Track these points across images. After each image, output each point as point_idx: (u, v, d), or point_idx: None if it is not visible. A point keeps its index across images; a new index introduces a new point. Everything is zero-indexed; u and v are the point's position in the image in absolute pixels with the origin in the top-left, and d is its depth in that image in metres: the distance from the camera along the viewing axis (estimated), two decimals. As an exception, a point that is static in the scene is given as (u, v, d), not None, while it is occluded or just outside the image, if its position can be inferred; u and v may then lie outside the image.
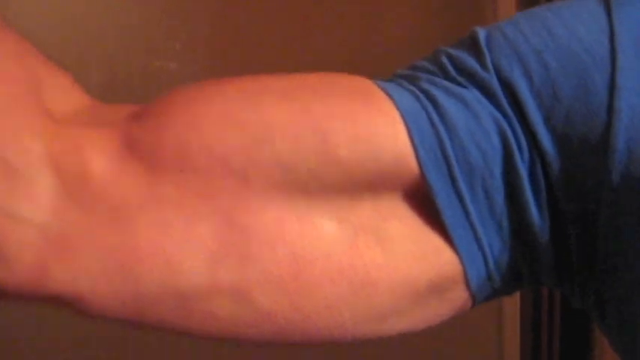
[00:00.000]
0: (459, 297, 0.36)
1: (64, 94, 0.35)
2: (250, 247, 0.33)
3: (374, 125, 0.34)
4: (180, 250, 0.33)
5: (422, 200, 0.35)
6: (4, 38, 0.34)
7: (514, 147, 0.34)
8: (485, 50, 0.36)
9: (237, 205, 0.33)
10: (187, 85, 0.36)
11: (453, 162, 0.34)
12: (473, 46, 0.37)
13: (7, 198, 0.31)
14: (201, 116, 0.34)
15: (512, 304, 1.08)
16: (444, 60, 0.37)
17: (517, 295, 1.05)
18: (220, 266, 0.33)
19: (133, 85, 1.15)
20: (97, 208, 0.32)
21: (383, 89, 0.36)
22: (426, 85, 0.36)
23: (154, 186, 0.33)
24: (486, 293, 0.37)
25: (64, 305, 0.33)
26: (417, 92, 0.35)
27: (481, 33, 0.37)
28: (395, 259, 0.35)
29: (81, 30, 1.14)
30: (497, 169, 0.35)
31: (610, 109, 0.34)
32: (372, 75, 0.38)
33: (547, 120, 0.35)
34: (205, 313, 0.34)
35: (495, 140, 0.35)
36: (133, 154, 0.33)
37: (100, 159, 0.33)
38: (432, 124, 0.34)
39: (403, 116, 0.34)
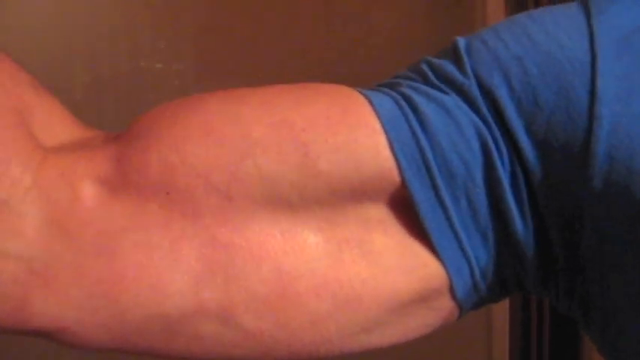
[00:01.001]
0: (445, 306, 0.36)
1: (53, 122, 0.35)
2: (235, 266, 0.33)
3: (354, 136, 0.34)
4: (165, 272, 0.32)
5: (406, 210, 0.35)
6: None
7: (494, 154, 0.34)
8: (464, 57, 0.36)
9: (221, 223, 0.33)
10: (169, 102, 0.36)
11: (435, 171, 0.34)
12: (453, 53, 0.37)
13: None
14: (183, 134, 0.34)
15: (501, 307, 1.08)
16: (424, 67, 0.37)
17: (506, 299, 1.05)
18: (205, 287, 0.33)
19: (118, 85, 1.14)
20: (83, 236, 0.32)
21: (363, 95, 0.35)
22: (407, 90, 0.35)
23: (140, 208, 0.33)
24: (473, 302, 0.37)
25: (45, 337, 0.33)
26: (398, 97, 0.35)
27: (461, 41, 0.37)
28: (380, 272, 0.34)
29: (66, 30, 1.13)
30: (479, 177, 0.34)
31: (591, 115, 0.33)
32: (358, 77, 0.38)
33: (528, 127, 0.34)
34: (190, 335, 0.33)
35: (476, 147, 0.34)
36: (119, 177, 0.33)
37: (87, 186, 0.33)
38: (413, 132, 0.34)
39: (383, 125, 0.34)
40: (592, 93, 0.33)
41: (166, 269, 0.32)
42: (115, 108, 1.13)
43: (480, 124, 0.34)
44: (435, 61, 0.37)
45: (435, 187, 0.34)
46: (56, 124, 0.35)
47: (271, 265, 0.33)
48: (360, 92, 0.36)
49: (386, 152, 0.34)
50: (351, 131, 0.34)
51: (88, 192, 0.33)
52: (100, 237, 0.32)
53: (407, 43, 1.10)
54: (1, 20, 1.11)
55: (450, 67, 0.36)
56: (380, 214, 0.35)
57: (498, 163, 0.34)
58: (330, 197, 0.34)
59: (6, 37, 1.10)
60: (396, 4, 1.12)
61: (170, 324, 0.33)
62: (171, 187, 0.33)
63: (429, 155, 0.34)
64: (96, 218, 0.32)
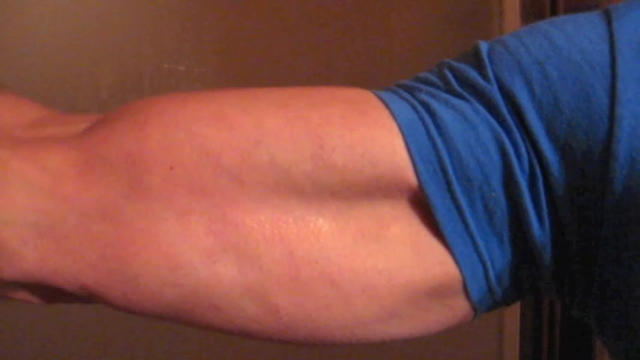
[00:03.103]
0: (460, 306, 0.36)
1: (22, 110, 0.35)
2: (247, 245, 0.33)
3: (371, 135, 0.34)
4: (174, 242, 0.32)
5: (421, 209, 0.35)
6: None
7: (513, 158, 0.34)
8: (486, 62, 0.36)
9: (232, 204, 0.33)
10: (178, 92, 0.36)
11: (451, 175, 0.34)
12: (475, 58, 0.37)
13: None
14: (192, 116, 0.33)
15: (512, 310, 1.08)
16: (446, 72, 0.37)
17: (517, 304, 1.05)
18: (217, 261, 0.33)
19: (142, 85, 1.15)
20: (81, 200, 0.32)
21: (381, 99, 0.35)
22: (425, 97, 0.36)
23: (138, 178, 0.32)
24: (488, 305, 0.37)
25: (76, 299, 0.33)
26: (416, 103, 0.35)
27: (483, 46, 0.37)
28: (395, 267, 0.35)
29: (91, 33, 1.14)
30: (497, 182, 0.35)
31: (612, 117, 0.33)
32: (377, 84, 0.38)
33: (549, 130, 0.34)
34: (206, 305, 0.33)
35: (493, 152, 0.34)
36: (103, 152, 0.33)
37: (69, 152, 0.32)
38: (430, 136, 0.34)
39: (401, 128, 0.34)
40: (612, 95, 0.33)
41: (176, 240, 0.32)
42: (139, 108, 1.14)
43: (499, 128, 0.35)
44: (457, 65, 0.37)
45: (450, 191, 0.34)
46: (25, 111, 0.35)
47: (284, 249, 0.33)
48: (377, 95, 0.36)
49: (402, 152, 0.34)
50: (367, 130, 0.34)
51: (69, 159, 0.32)
52: (101, 201, 0.32)
53: (424, 54, 1.10)
54: (30, 21, 1.12)
55: (472, 72, 0.36)
56: (395, 210, 0.35)
57: (517, 167, 0.34)
58: (344, 190, 0.34)
59: (34, 39, 1.12)
60: (414, 15, 1.12)
61: (185, 294, 0.33)
62: (176, 163, 0.32)
63: (446, 159, 0.34)
64: (91, 184, 0.32)
